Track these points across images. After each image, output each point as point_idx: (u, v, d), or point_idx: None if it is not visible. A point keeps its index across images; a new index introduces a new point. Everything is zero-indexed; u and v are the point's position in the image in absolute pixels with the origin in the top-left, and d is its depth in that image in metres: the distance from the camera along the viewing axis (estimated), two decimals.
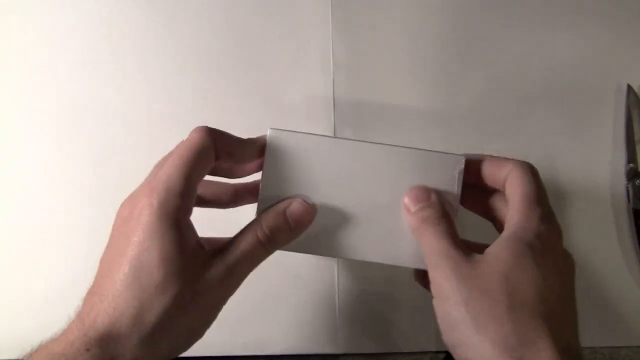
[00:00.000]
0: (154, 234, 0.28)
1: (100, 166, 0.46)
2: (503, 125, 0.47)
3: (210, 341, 0.43)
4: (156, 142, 0.46)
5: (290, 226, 0.32)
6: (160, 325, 0.28)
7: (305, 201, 0.32)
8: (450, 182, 0.33)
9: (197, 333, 0.30)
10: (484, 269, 0.28)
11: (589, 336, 0.44)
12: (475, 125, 0.47)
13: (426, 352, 0.44)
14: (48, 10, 0.48)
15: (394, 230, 0.33)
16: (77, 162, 0.46)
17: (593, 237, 0.46)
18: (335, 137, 0.33)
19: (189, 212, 0.30)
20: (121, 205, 0.31)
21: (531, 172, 0.31)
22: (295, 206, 0.32)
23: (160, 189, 0.29)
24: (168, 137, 0.46)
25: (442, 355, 0.44)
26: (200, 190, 0.33)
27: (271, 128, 0.33)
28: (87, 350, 0.27)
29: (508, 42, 0.48)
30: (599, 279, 0.45)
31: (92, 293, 0.29)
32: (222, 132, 0.31)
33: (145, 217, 0.28)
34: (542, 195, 0.31)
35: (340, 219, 0.33)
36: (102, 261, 0.30)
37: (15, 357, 0.29)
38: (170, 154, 0.31)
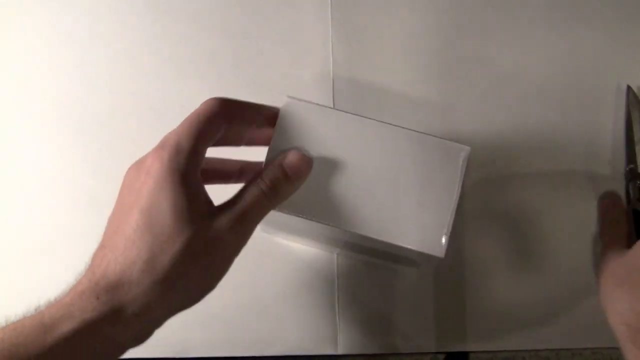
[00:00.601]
0: (164, 185, 0.28)
1: (100, 166, 0.46)
2: (503, 125, 0.47)
3: (210, 342, 0.43)
4: (156, 142, 0.46)
5: (288, 176, 0.32)
6: (171, 272, 0.28)
7: (300, 152, 0.33)
8: (454, 171, 0.33)
9: (208, 285, 0.30)
10: None
11: (589, 336, 0.44)
12: (474, 124, 0.47)
13: (426, 353, 0.44)
14: (48, 11, 0.48)
15: (393, 209, 0.33)
16: (76, 163, 0.46)
17: (596, 236, 0.46)
18: (346, 112, 0.34)
19: (198, 169, 0.30)
20: (128, 169, 0.31)
21: None
22: (291, 156, 0.32)
23: (170, 146, 0.29)
24: None
25: (441, 357, 0.44)
26: (208, 165, 0.33)
27: (288, 96, 0.34)
28: (97, 298, 0.27)
29: (507, 42, 0.48)
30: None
31: (101, 247, 0.29)
32: (234, 99, 0.32)
33: (156, 171, 0.29)
34: None
35: (342, 191, 0.33)
36: (111, 218, 0.30)
37: None
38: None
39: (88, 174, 0.46)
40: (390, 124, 0.34)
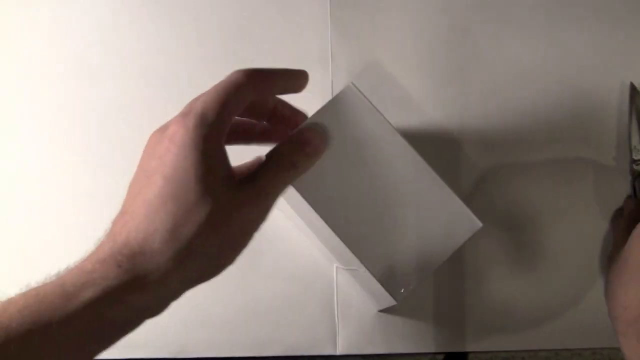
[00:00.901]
0: (188, 154, 0.28)
1: (100, 167, 0.46)
2: (504, 124, 0.47)
3: (209, 342, 0.43)
4: None
5: (306, 152, 0.32)
6: (193, 243, 0.27)
7: (318, 128, 0.33)
8: (456, 238, 0.33)
9: (227, 258, 0.30)
10: None
11: (589, 337, 0.44)
12: (475, 123, 0.47)
13: (425, 354, 0.44)
14: (48, 11, 0.48)
15: (381, 235, 0.33)
16: (76, 163, 0.46)
17: (597, 236, 0.46)
18: (392, 125, 0.34)
19: (223, 138, 0.30)
20: (151, 135, 0.31)
21: None
22: (308, 132, 0.33)
23: (196, 114, 0.29)
24: None
25: (441, 357, 0.44)
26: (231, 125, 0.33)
27: (352, 82, 0.34)
28: (119, 266, 0.27)
29: (508, 41, 0.48)
30: (601, 279, 0.45)
31: (122, 213, 0.29)
32: (261, 68, 0.32)
33: (180, 137, 0.28)
34: None
35: (348, 193, 0.33)
36: (132, 184, 0.30)
37: None
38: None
39: (88, 174, 0.46)
40: (424, 162, 0.34)
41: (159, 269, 0.27)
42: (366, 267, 0.33)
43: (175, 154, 0.28)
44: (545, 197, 0.46)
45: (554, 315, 0.44)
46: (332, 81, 0.47)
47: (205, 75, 0.47)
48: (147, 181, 0.29)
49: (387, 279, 0.33)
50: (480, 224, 0.33)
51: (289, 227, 0.44)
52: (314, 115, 0.34)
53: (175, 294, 0.29)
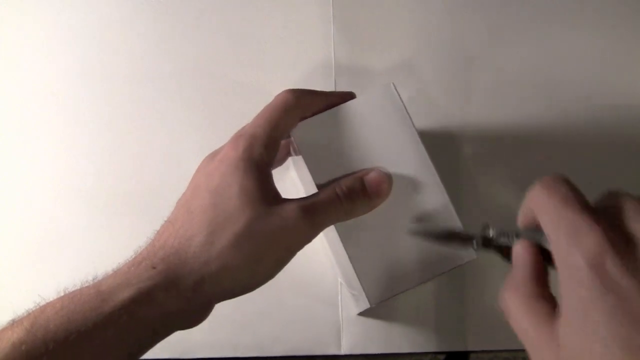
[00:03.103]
0: (235, 171, 0.29)
1: (100, 167, 0.46)
2: (504, 124, 0.47)
3: (212, 342, 0.43)
4: (157, 142, 0.46)
5: (366, 192, 0.32)
6: (228, 250, 0.28)
7: (383, 172, 0.33)
8: (445, 258, 0.33)
9: (265, 272, 0.30)
10: None
11: None
12: (475, 123, 0.47)
13: (426, 353, 0.44)
14: (48, 10, 0.48)
15: (377, 235, 0.33)
16: (77, 164, 0.46)
17: None
18: (417, 135, 0.34)
19: (271, 162, 0.31)
20: (204, 158, 0.33)
21: (546, 190, 0.24)
22: (373, 173, 0.32)
23: (246, 136, 0.30)
24: (168, 137, 0.46)
25: (442, 356, 0.44)
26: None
27: (393, 84, 0.35)
28: (153, 267, 0.27)
29: (511, 41, 0.48)
30: None
31: (167, 222, 0.30)
32: (307, 90, 0.33)
33: (230, 157, 0.30)
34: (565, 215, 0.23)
35: None
36: (181, 199, 0.32)
37: None
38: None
39: (90, 174, 0.46)
40: (439, 178, 0.34)
41: (192, 273, 0.28)
42: (352, 263, 0.33)
43: (223, 171, 0.29)
44: None
45: None
46: (335, 81, 0.47)
47: (206, 74, 0.48)
48: (194, 195, 0.30)
49: (369, 279, 0.33)
50: (474, 256, 0.33)
51: None
52: (311, 169, 0.33)
53: (209, 303, 0.29)
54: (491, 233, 0.29)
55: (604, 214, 0.23)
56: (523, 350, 0.44)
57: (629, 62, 0.48)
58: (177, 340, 0.43)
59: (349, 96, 0.35)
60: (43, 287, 0.44)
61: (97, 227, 0.45)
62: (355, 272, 0.33)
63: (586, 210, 0.23)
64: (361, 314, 0.43)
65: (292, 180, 0.43)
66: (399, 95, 0.35)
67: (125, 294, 0.26)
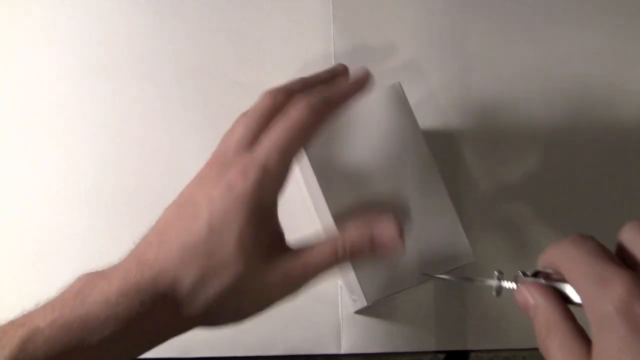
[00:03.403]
0: (240, 212, 0.27)
1: (100, 167, 0.46)
2: (505, 124, 0.47)
3: (212, 342, 0.43)
4: (157, 142, 0.46)
5: (374, 249, 0.30)
6: (213, 301, 0.28)
7: (394, 222, 0.30)
8: (444, 260, 0.33)
9: (249, 314, 0.30)
10: None
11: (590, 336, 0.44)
12: (476, 123, 0.47)
13: (427, 352, 0.44)
14: (48, 10, 0.48)
15: None
16: (77, 164, 0.46)
17: (597, 236, 0.46)
18: (422, 135, 0.34)
19: (281, 194, 0.29)
20: (209, 164, 0.30)
21: (574, 244, 0.26)
22: (384, 229, 0.30)
23: (258, 167, 0.28)
24: (168, 137, 0.46)
25: (442, 356, 0.44)
26: None
27: (399, 83, 0.34)
28: (141, 304, 0.27)
29: (512, 41, 0.48)
30: None
31: (156, 240, 0.29)
32: (325, 99, 0.30)
33: (237, 190, 0.28)
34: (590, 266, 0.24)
35: (356, 185, 0.34)
36: (173, 209, 0.30)
37: None
38: (254, 112, 0.30)
39: (90, 175, 0.46)
40: (441, 179, 0.34)
41: (177, 314, 0.28)
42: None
43: (227, 207, 0.28)
44: (546, 197, 0.46)
45: None
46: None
47: (206, 74, 0.48)
48: (190, 219, 0.28)
49: (366, 277, 0.33)
50: (474, 259, 0.33)
51: (297, 223, 0.44)
52: (327, 196, 0.33)
53: (193, 328, 0.30)
54: (505, 284, 0.29)
55: (631, 262, 0.24)
56: (523, 350, 0.44)
57: (630, 62, 0.48)
58: (177, 340, 0.44)
59: (366, 78, 0.32)
60: (43, 287, 0.44)
61: (97, 227, 0.45)
62: (354, 268, 0.33)
63: (613, 260, 0.24)
64: (359, 312, 0.43)
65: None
66: (405, 95, 0.34)
67: (112, 327, 0.26)
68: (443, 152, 0.46)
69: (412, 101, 0.35)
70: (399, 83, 0.35)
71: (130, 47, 0.47)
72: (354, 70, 0.34)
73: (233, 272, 0.28)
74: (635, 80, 0.48)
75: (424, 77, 0.47)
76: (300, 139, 0.29)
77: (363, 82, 0.32)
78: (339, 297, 0.44)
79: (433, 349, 0.44)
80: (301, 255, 0.29)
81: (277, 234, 0.30)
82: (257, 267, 0.28)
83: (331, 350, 0.43)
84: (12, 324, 0.27)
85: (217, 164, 0.30)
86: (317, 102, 0.30)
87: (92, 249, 0.44)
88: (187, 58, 0.47)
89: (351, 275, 0.33)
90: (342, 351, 0.43)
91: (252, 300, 0.29)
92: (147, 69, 0.47)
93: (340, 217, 0.33)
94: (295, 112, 0.29)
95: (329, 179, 0.33)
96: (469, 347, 0.44)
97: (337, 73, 0.34)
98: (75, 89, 0.47)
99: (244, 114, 0.31)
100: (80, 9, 0.48)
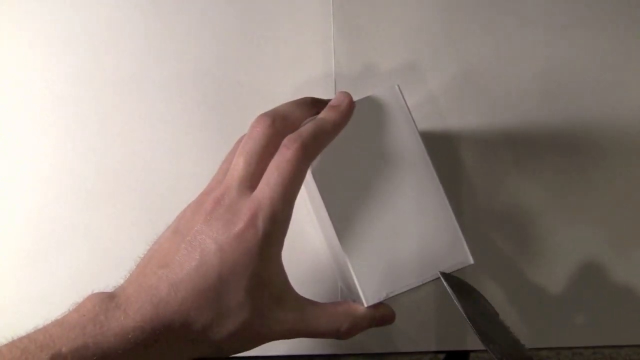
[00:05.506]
0: (249, 264, 0.29)
1: (100, 167, 0.46)
2: (505, 124, 0.47)
3: None
4: (157, 142, 0.46)
5: (374, 325, 0.34)
6: (221, 342, 0.30)
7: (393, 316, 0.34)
8: (441, 262, 0.34)
9: (246, 349, 0.32)
10: None
11: (589, 335, 0.45)
12: (476, 123, 0.47)
13: (426, 352, 0.44)
14: (47, 10, 0.48)
15: (378, 241, 0.34)
16: (77, 164, 0.46)
17: (598, 236, 0.46)
18: (421, 139, 0.35)
19: (285, 235, 0.31)
20: (212, 202, 0.30)
21: None
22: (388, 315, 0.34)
23: (267, 217, 0.29)
24: (168, 137, 0.46)
25: (442, 356, 0.44)
26: None
27: (398, 85, 0.35)
28: (156, 341, 0.28)
29: (512, 41, 0.48)
30: (601, 278, 0.45)
31: (164, 274, 0.29)
32: (323, 132, 0.32)
33: (247, 240, 0.29)
34: None
35: (354, 188, 0.34)
36: (175, 242, 0.30)
37: None
38: (252, 144, 0.31)
39: (90, 175, 0.46)
40: (439, 182, 0.34)
41: (186, 350, 0.30)
42: (348, 260, 0.33)
43: (237, 258, 0.29)
44: (546, 197, 0.46)
45: (554, 313, 0.45)
46: (335, 80, 0.47)
47: (206, 75, 0.48)
48: (200, 263, 0.29)
49: (365, 279, 0.33)
50: (471, 261, 0.34)
51: (297, 223, 0.44)
52: (331, 213, 0.34)
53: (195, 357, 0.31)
54: None
55: None
56: None
57: (630, 62, 0.48)
58: None
59: (350, 110, 0.33)
60: (43, 287, 0.44)
61: (97, 227, 0.45)
62: (352, 269, 0.33)
63: None
64: None
65: None
66: (404, 97, 0.35)
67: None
68: (441, 154, 0.46)
69: (410, 103, 0.35)
70: (398, 85, 0.35)
71: (130, 47, 0.48)
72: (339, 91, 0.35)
73: (240, 319, 0.29)
74: (636, 81, 0.48)
75: (423, 78, 0.47)
76: (300, 181, 0.30)
77: (348, 111, 0.34)
78: (339, 298, 0.44)
79: (433, 349, 0.44)
80: (308, 319, 0.32)
81: (282, 280, 0.31)
82: (263, 315, 0.30)
83: (331, 350, 0.43)
84: (34, 341, 0.27)
85: (223, 205, 0.30)
86: (310, 142, 0.31)
87: (92, 249, 0.45)
88: (187, 58, 0.48)
89: (350, 277, 0.34)
90: (341, 351, 0.43)
91: (255, 341, 0.31)
92: (148, 69, 0.47)
93: (338, 217, 0.33)
94: (290, 152, 0.30)
95: (327, 181, 0.34)
96: (469, 347, 0.44)
97: (323, 101, 0.35)
98: (75, 88, 0.47)
99: (242, 146, 0.32)
100: (80, 9, 0.48)
